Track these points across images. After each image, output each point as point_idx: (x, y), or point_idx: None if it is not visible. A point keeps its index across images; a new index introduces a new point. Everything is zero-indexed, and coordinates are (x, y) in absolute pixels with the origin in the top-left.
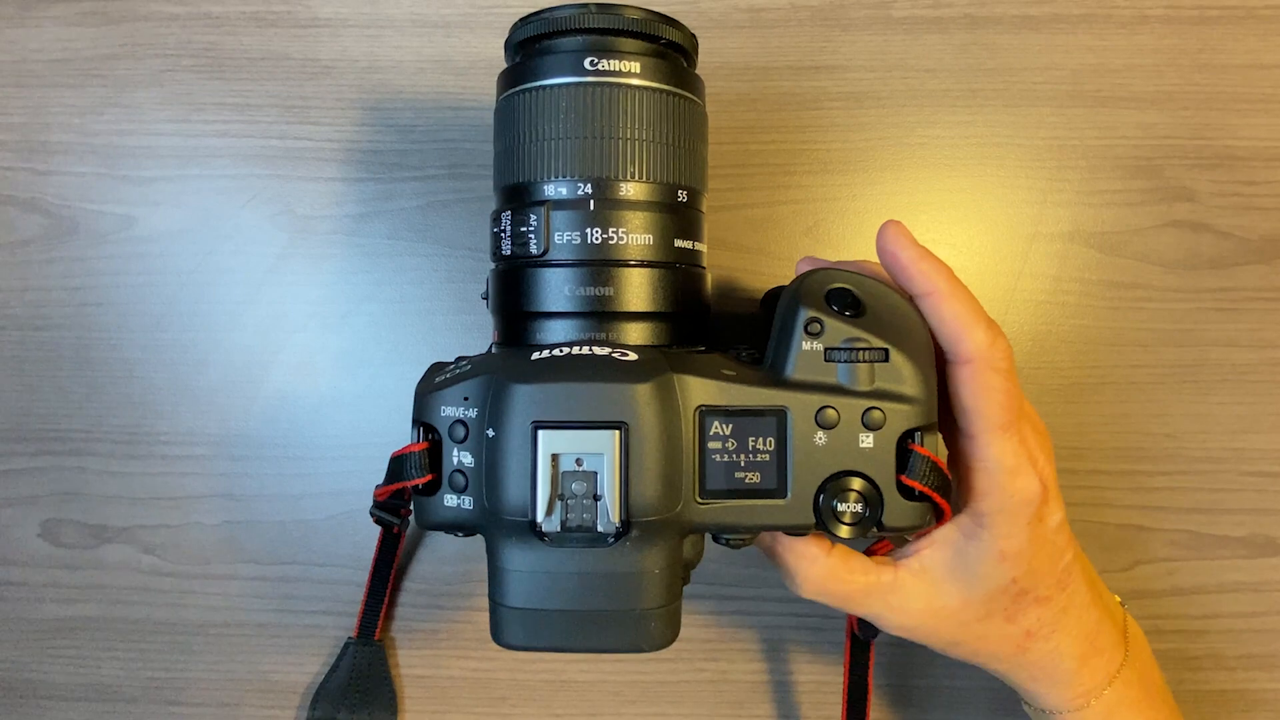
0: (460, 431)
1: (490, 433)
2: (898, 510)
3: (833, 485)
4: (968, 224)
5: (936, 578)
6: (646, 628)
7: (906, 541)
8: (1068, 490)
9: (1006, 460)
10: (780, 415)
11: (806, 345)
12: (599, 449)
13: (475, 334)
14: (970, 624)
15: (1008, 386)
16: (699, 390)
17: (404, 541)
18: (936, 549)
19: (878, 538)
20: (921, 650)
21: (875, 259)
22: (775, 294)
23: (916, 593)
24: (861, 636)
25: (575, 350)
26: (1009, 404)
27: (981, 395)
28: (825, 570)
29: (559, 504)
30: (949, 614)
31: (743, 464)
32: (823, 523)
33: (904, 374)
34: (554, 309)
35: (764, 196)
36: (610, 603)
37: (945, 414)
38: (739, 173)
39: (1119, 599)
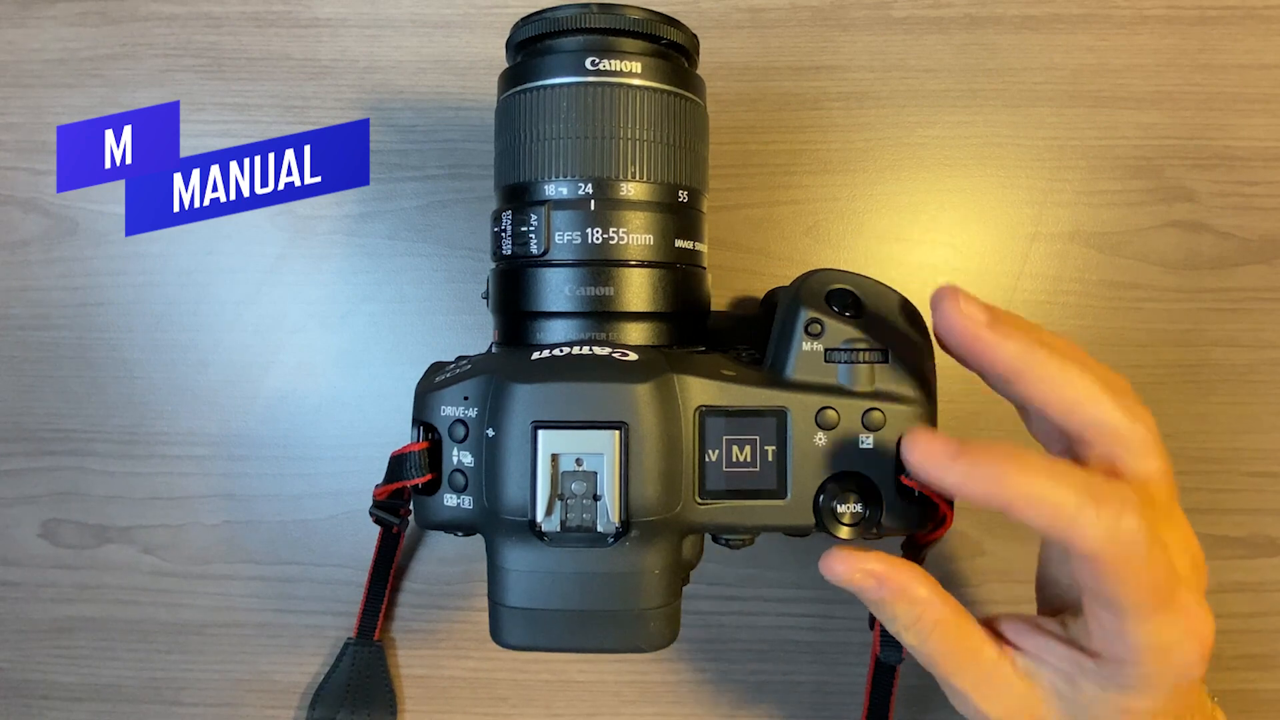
0: (460, 431)
1: (490, 432)
2: (898, 511)
3: (832, 486)
4: (968, 224)
5: (1040, 692)
6: (646, 628)
7: (917, 547)
8: None
9: (1157, 640)
10: (780, 416)
11: (807, 346)
12: (599, 449)
13: (475, 334)
14: None
15: (1151, 566)
16: (699, 390)
17: (404, 541)
18: (1049, 669)
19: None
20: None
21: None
22: (775, 294)
23: (1012, 689)
24: (885, 660)
25: (575, 350)
26: (1158, 582)
27: (1119, 585)
28: (937, 617)
29: (559, 504)
30: None
31: (743, 464)
32: (822, 523)
33: (904, 375)
34: (554, 309)
35: (764, 196)
36: (610, 603)
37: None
38: (739, 173)
39: (1212, 696)
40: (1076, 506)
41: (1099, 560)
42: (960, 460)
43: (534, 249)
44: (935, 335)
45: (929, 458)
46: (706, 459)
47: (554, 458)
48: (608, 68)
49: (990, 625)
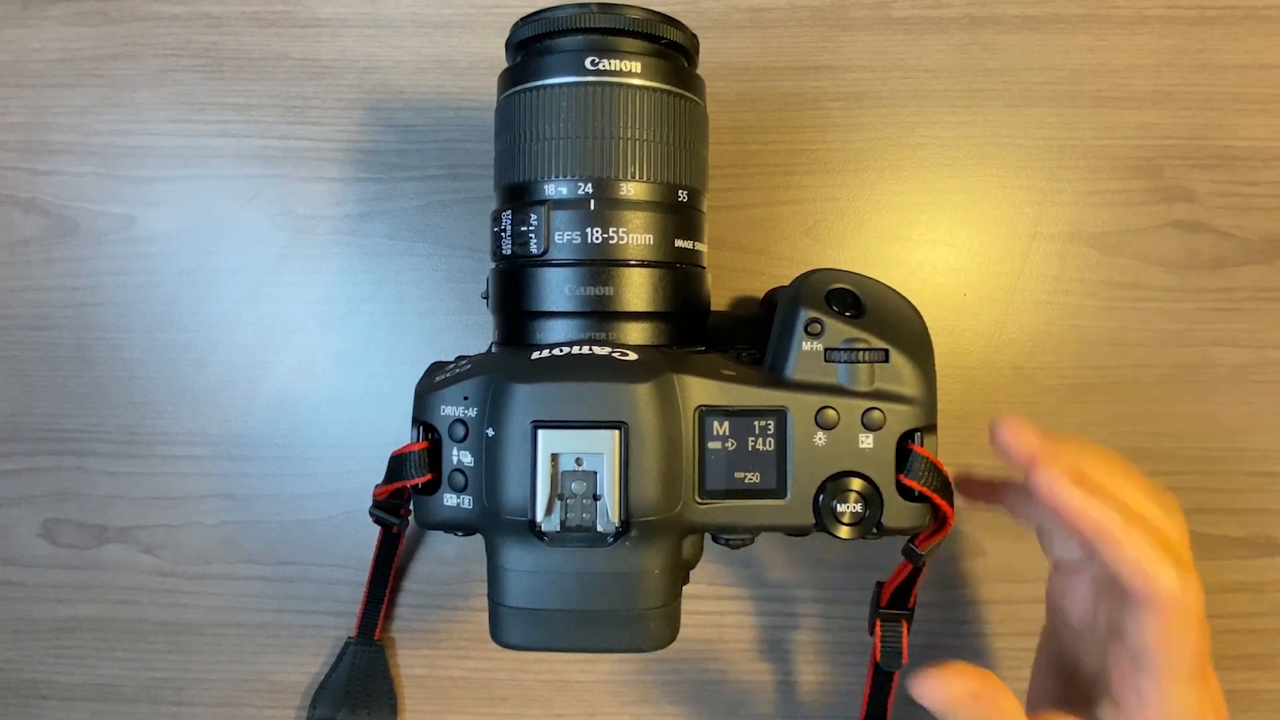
0: (460, 431)
1: (490, 432)
2: (897, 511)
3: (832, 485)
4: (968, 224)
5: None
6: (646, 628)
7: (916, 553)
8: None
9: (1191, 708)
10: (780, 415)
11: (807, 345)
12: (599, 449)
13: (475, 334)
14: None
15: (1201, 633)
16: (699, 390)
17: (404, 541)
18: None
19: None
20: None
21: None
22: (775, 294)
23: None
24: (885, 666)
25: (575, 350)
26: (1201, 651)
27: (1172, 644)
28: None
29: (558, 504)
30: None
31: (742, 464)
32: (822, 523)
33: (904, 374)
34: (554, 309)
35: (764, 196)
36: (610, 602)
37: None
38: (739, 173)
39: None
40: (1161, 559)
41: (1167, 610)
42: (1079, 493)
43: (534, 249)
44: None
45: (1058, 483)
46: (706, 459)
47: (554, 457)
48: (607, 67)
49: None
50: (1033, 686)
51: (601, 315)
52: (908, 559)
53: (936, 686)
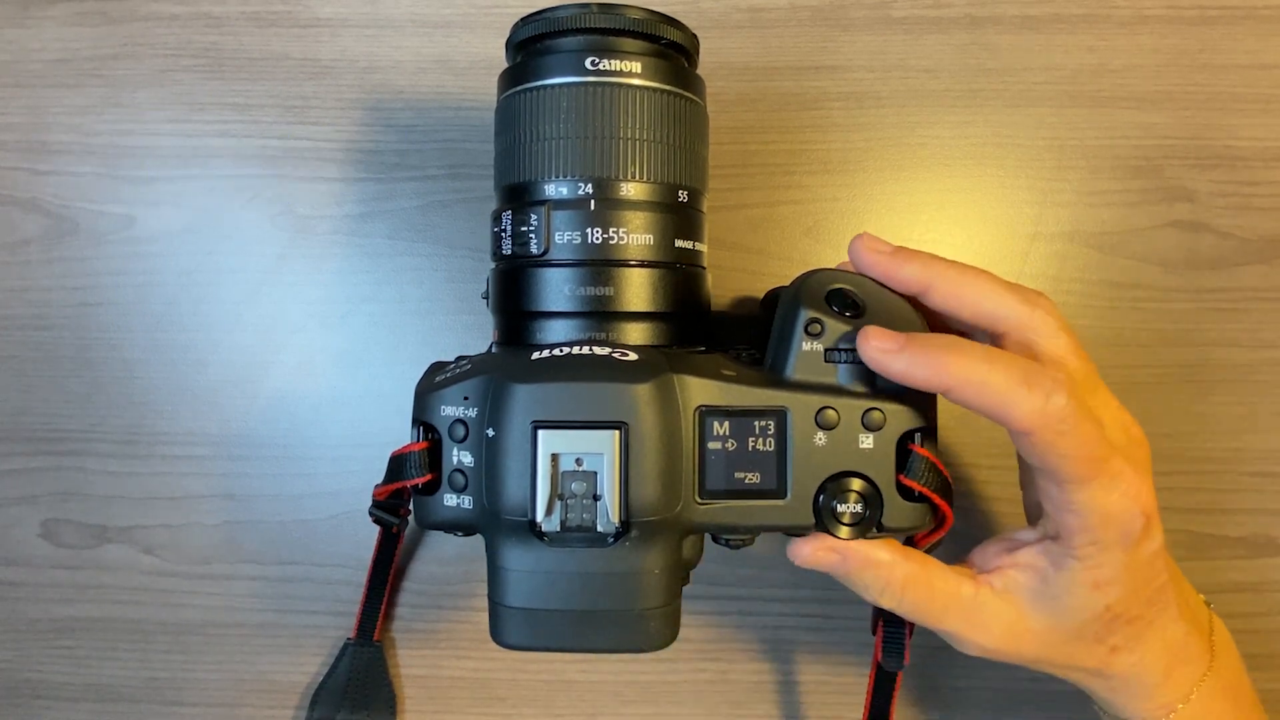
0: (460, 431)
1: (490, 432)
2: (897, 511)
3: (832, 485)
4: (968, 224)
5: (1020, 601)
6: (646, 628)
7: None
8: None
9: (1097, 503)
10: (780, 416)
11: (806, 346)
12: (599, 449)
13: (475, 334)
14: (1056, 645)
15: (1082, 438)
16: (699, 390)
17: (403, 541)
18: (1021, 571)
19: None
20: (943, 686)
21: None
22: (775, 294)
23: (998, 613)
24: (887, 667)
25: (575, 350)
26: (1090, 453)
27: (1055, 458)
28: (905, 575)
29: (559, 504)
30: (1033, 636)
31: (742, 464)
32: (822, 523)
33: None
34: (554, 309)
35: (764, 196)
36: (610, 603)
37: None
38: (739, 173)
39: (1204, 599)
40: (1009, 387)
41: (1034, 434)
42: (907, 349)
43: (534, 249)
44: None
45: (879, 349)
46: (706, 459)
47: (554, 458)
48: (607, 68)
49: (962, 563)
50: (1024, 503)
51: (601, 315)
52: None
53: (806, 546)
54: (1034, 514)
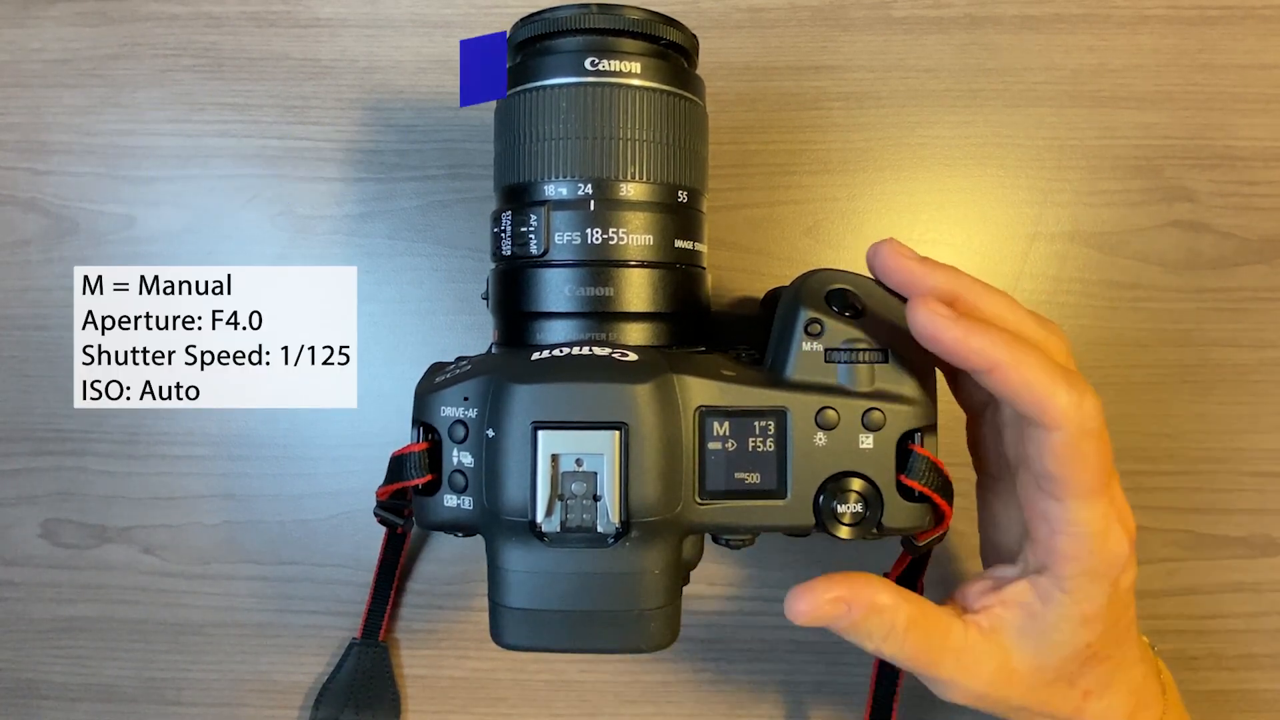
0: (460, 432)
1: (490, 433)
2: (898, 511)
3: (832, 486)
4: (968, 224)
5: (1007, 641)
6: (646, 628)
7: (916, 545)
8: None
9: (1097, 524)
10: (780, 416)
11: (807, 346)
12: (599, 449)
13: (475, 334)
14: (1038, 688)
15: (1101, 448)
16: (699, 391)
17: (409, 542)
18: (1007, 609)
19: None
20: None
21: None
22: (775, 294)
23: (988, 654)
24: (890, 665)
25: (575, 350)
26: (1103, 466)
27: (1073, 463)
28: (907, 618)
29: (559, 504)
30: (1019, 678)
31: (743, 464)
32: (822, 523)
33: (904, 375)
34: (554, 309)
35: (764, 196)
36: (610, 603)
37: (986, 458)
38: (739, 173)
39: (1147, 641)
40: (1053, 378)
41: (1062, 431)
42: (962, 320)
43: (534, 249)
44: (910, 323)
45: (935, 313)
46: (707, 459)
47: (554, 458)
48: (607, 68)
49: (948, 602)
50: (981, 546)
51: (601, 316)
52: (906, 549)
53: (803, 602)
54: (991, 557)
